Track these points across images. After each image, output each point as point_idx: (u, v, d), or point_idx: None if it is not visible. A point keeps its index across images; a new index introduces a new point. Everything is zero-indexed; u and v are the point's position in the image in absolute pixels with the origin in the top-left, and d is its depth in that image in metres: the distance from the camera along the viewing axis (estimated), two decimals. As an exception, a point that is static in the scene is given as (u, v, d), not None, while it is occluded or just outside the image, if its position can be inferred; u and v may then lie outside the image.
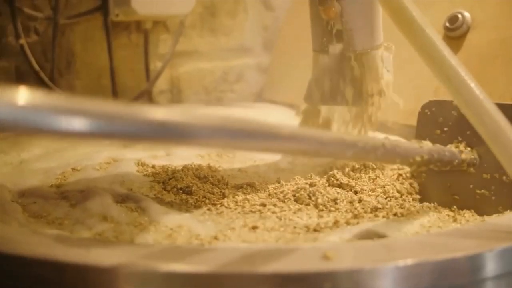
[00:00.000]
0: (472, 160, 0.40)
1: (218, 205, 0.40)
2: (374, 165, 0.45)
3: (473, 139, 0.40)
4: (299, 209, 0.38)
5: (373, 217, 0.37)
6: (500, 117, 0.33)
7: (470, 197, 0.40)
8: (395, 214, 0.37)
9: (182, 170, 0.46)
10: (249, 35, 0.92)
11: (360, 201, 0.39)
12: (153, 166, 0.49)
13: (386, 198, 0.41)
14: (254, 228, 0.35)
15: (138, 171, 0.48)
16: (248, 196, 0.41)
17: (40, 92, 0.20)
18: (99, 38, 0.79)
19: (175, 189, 0.43)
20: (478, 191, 0.40)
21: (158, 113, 0.23)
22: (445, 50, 0.35)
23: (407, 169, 0.45)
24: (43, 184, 0.45)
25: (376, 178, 0.43)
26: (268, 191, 0.42)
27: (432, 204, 0.40)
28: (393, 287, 0.26)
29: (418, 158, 0.36)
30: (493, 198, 0.39)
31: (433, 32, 0.36)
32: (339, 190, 0.41)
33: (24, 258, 0.27)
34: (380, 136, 0.51)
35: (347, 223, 0.35)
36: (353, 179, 0.44)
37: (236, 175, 0.49)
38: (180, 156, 0.53)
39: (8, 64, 0.80)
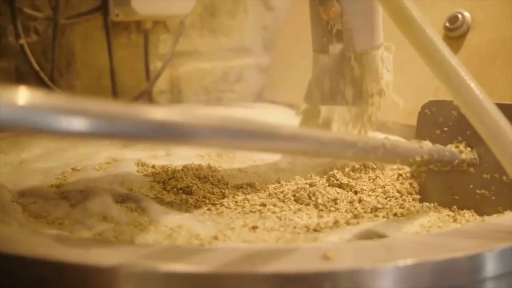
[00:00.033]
0: (472, 160, 0.40)
1: (218, 205, 0.40)
2: (374, 165, 0.45)
3: (473, 139, 0.40)
4: (299, 209, 0.38)
5: (373, 217, 0.37)
6: (500, 117, 0.33)
7: (470, 197, 0.40)
8: (395, 214, 0.37)
9: (182, 170, 0.46)
10: (249, 35, 0.92)
11: (360, 201, 0.39)
12: (153, 166, 0.49)
13: (386, 198, 0.41)
14: (254, 228, 0.35)
15: (138, 171, 0.48)
16: (248, 196, 0.41)
17: (39, 92, 0.20)
18: (99, 38, 0.79)
19: (175, 189, 0.43)
20: (478, 191, 0.40)
21: (158, 113, 0.23)
22: (445, 50, 0.35)
23: (407, 169, 0.45)
24: (43, 184, 0.45)
25: (376, 178, 0.43)
26: (268, 191, 0.42)
27: (432, 204, 0.40)
28: (393, 287, 0.26)
29: (418, 158, 0.36)
30: (493, 198, 0.39)
31: (433, 32, 0.36)
32: (339, 190, 0.41)
33: (24, 258, 0.27)
34: (380, 136, 0.51)
35: (347, 223, 0.35)
36: (353, 179, 0.44)
37: (236, 175, 0.49)
38: (180, 156, 0.53)
39: (8, 64, 0.80)
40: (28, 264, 0.27)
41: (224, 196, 0.41)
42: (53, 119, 0.20)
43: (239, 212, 0.38)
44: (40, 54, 0.79)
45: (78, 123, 0.21)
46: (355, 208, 0.38)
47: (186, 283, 0.26)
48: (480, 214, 0.39)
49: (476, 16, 0.58)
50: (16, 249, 0.28)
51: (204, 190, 0.42)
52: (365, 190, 0.42)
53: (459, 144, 0.41)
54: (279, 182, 0.44)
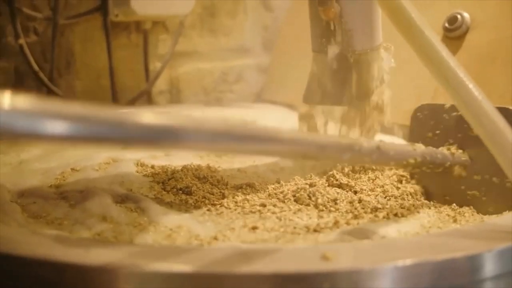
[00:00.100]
0: (463, 162, 0.40)
1: (218, 206, 0.40)
2: (373, 166, 0.46)
3: (464, 142, 0.41)
4: (299, 210, 0.38)
5: (373, 218, 0.37)
6: (498, 118, 0.33)
7: (461, 198, 0.41)
8: (395, 214, 0.37)
9: (181, 170, 0.46)
10: (249, 35, 0.92)
11: (360, 201, 0.39)
12: (153, 167, 0.49)
13: (385, 198, 0.41)
14: (254, 228, 0.35)
15: (137, 172, 0.48)
16: (248, 197, 0.41)
17: (26, 96, 0.20)
18: (98, 39, 0.79)
19: (175, 190, 0.43)
20: (469, 192, 0.41)
21: (152, 117, 0.23)
22: (444, 51, 0.35)
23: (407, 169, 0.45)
24: (42, 184, 0.45)
25: (375, 179, 0.44)
26: (268, 191, 0.42)
27: (432, 204, 0.40)
28: (393, 287, 0.26)
29: (411, 161, 0.37)
30: (484, 199, 0.40)
31: (431, 33, 0.36)
32: (339, 190, 0.41)
33: (24, 258, 0.27)
34: (380, 136, 0.51)
35: (347, 223, 0.36)
36: (352, 179, 0.44)
37: (235, 175, 0.49)
38: (180, 157, 0.53)
39: (8, 64, 0.80)
40: (28, 264, 0.27)
41: (223, 197, 0.41)
42: (39, 124, 0.20)
43: (239, 213, 0.38)
44: (39, 54, 0.79)
45: (62, 127, 0.21)
46: (355, 209, 0.38)
47: (186, 283, 0.26)
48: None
49: (475, 17, 0.58)
50: (15, 249, 0.28)
51: (203, 191, 0.42)
52: (365, 190, 0.42)
53: (451, 146, 0.41)
54: (278, 183, 0.44)
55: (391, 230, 0.34)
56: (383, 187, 0.42)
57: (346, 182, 0.42)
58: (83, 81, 0.81)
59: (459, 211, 0.39)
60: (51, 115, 0.21)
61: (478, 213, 0.39)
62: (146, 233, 0.34)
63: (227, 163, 0.54)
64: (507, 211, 0.38)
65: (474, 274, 0.28)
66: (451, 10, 0.59)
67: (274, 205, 0.39)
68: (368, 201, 0.39)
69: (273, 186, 0.43)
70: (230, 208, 0.39)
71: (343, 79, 0.50)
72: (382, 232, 0.34)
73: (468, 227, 0.36)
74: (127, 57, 0.82)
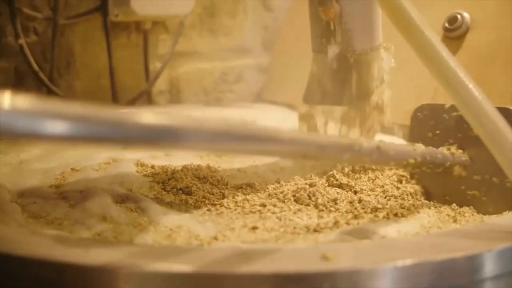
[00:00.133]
0: (463, 162, 0.41)
1: (218, 206, 0.40)
2: (373, 166, 0.46)
3: (464, 142, 0.41)
4: (299, 210, 0.38)
5: (373, 218, 0.37)
6: (498, 118, 0.33)
7: (461, 198, 0.41)
8: (395, 215, 0.37)
9: (181, 170, 0.46)
10: (249, 35, 0.92)
11: (360, 201, 0.39)
12: (153, 167, 0.49)
13: (385, 198, 0.41)
14: (254, 228, 0.35)
15: (137, 172, 0.48)
16: (248, 197, 0.41)
17: (25, 96, 0.20)
18: (98, 39, 0.79)
19: (175, 190, 0.43)
20: (469, 192, 0.41)
21: (152, 117, 0.23)
22: (444, 51, 0.35)
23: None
24: (42, 184, 0.45)
25: (375, 179, 0.44)
26: (268, 191, 0.42)
27: (432, 204, 0.40)
28: (392, 287, 0.26)
29: (411, 161, 0.37)
30: (484, 198, 0.40)
31: (431, 33, 0.36)
32: (339, 190, 0.41)
33: (24, 258, 0.27)
34: (380, 136, 0.51)
35: (347, 223, 0.36)
36: (352, 179, 0.44)
37: (235, 175, 0.49)
38: (179, 157, 0.53)
39: (8, 64, 0.80)
40: (28, 264, 0.27)
41: (223, 197, 0.41)
42: (38, 124, 0.20)
43: (239, 213, 0.38)
44: (39, 54, 0.79)
45: (61, 128, 0.21)
46: (355, 209, 0.38)
47: (186, 283, 0.26)
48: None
49: (475, 17, 0.58)
50: (15, 249, 0.28)
51: (203, 191, 0.42)
52: (365, 190, 0.42)
53: (451, 146, 0.42)
54: (278, 183, 0.44)
55: (391, 230, 0.34)
56: (383, 187, 0.42)
57: (346, 182, 0.42)
58: (83, 81, 0.81)
59: (459, 211, 0.39)
60: (51, 115, 0.21)
61: (478, 213, 0.40)
62: (146, 233, 0.34)
63: (227, 163, 0.54)
64: (507, 211, 0.38)
65: (474, 274, 0.28)
66: (451, 10, 0.59)
67: (274, 205, 0.39)
68: (368, 201, 0.39)
69: (273, 186, 0.43)
70: (230, 208, 0.39)
71: (343, 79, 0.50)
72: (382, 232, 0.34)
73: (468, 227, 0.36)
74: (127, 57, 0.82)
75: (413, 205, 0.39)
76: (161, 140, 0.24)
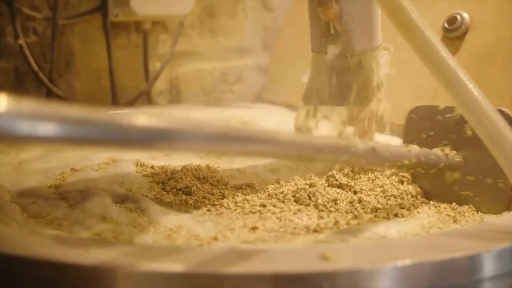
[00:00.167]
0: (457, 163, 0.41)
1: (218, 206, 0.40)
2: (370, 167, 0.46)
3: (458, 143, 0.42)
4: (299, 210, 0.38)
5: (373, 218, 0.37)
6: (498, 118, 0.33)
7: (455, 198, 0.41)
8: (395, 215, 0.37)
9: (181, 170, 0.46)
10: (249, 35, 0.92)
11: (360, 201, 0.39)
12: (152, 167, 0.49)
13: (385, 198, 0.41)
14: (254, 228, 0.35)
15: (137, 172, 0.48)
16: (247, 197, 0.41)
17: (20, 99, 0.20)
18: (98, 39, 0.79)
19: (175, 190, 0.43)
20: (462, 193, 0.41)
21: (145, 120, 0.23)
22: (444, 51, 0.35)
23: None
24: (42, 184, 0.45)
25: (375, 179, 0.44)
26: (268, 191, 0.42)
27: (432, 204, 0.41)
28: (392, 287, 0.26)
29: (406, 162, 0.38)
30: (477, 199, 0.40)
31: (431, 34, 0.36)
32: (338, 190, 0.41)
33: (24, 259, 0.27)
34: (379, 136, 0.51)
35: (347, 223, 0.36)
36: (352, 180, 0.44)
37: (235, 175, 0.49)
38: (179, 157, 0.53)
39: (7, 64, 0.80)
40: (28, 264, 0.27)
41: (223, 197, 0.41)
42: (32, 126, 0.20)
43: (238, 213, 0.38)
44: (39, 54, 0.79)
45: (55, 130, 0.21)
46: (355, 209, 0.38)
47: (186, 284, 0.26)
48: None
49: (475, 17, 0.58)
50: (15, 250, 0.28)
51: (203, 191, 0.42)
52: (364, 190, 0.42)
53: (445, 147, 0.42)
54: (278, 183, 0.44)
55: (391, 231, 0.34)
56: (382, 187, 0.42)
57: (346, 182, 0.42)
58: (82, 81, 0.81)
59: (459, 211, 0.39)
60: (45, 117, 0.20)
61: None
62: (146, 233, 0.34)
63: (226, 163, 0.54)
64: (506, 212, 0.38)
65: (474, 274, 0.28)
66: (450, 11, 0.59)
67: (274, 206, 0.39)
68: (368, 201, 0.39)
69: (273, 186, 0.43)
70: (230, 209, 0.39)
71: (342, 79, 0.50)
72: (382, 232, 0.34)
73: (467, 227, 0.36)
74: (126, 57, 0.82)
75: (413, 205, 0.39)
76: (156, 142, 0.24)
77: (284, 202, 0.40)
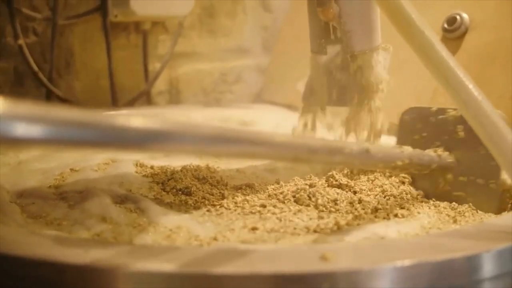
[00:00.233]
0: (449, 164, 0.42)
1: (218, 206, 0.40)
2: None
3: (450, 144, 0.42)
4: (299, 210, 0.38)
5: (374, 218, 0.37)
6: (498, 119, 0.33)
7: (447, 199, 0.41)
8: (395, 215, 0.37)
9: (181, 171, 0.46)
10: (248, 36, 0.92)
11: (360, 201, 0.39)
12: (152, 167, 0.49)
13: (385, 197, 0.41)
14: (254, 229, 0.35)
15: (136, 172, 0.48)
16: (247, 197, 0.41)
17: (8, 100, 0.20)
18: (98, 39, 0.79)
19: (174, 190, 0.43)
20: (455, 193, 0.41)
21: (139, 121, 0.23)
22: (443, 51, 0.35)
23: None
24: (41, 185, 0.45)
25: (375, 180, 0.44)
26: (268, 192, 0.42)
27: (432, 204, 0.41)
28: (392, 287, 0.26)
29: (399, 163, 0.38)
30: (469, 199, 0.40)
31: (431, 34, 0.36)
32: (338, 190, 0.41)
33: (23, 259, 0.27)
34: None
35: (348, 224, 0.36)
36: (352, 180, 0.44)
37: (234, 175, 0.49)
38: (178, 157, 0.53)
39: (7, 64, 0.80)
40: (27, 264, 0.27)
41: (223, 197, 0.41)
42: (23, 129, 0.20)
43: (238, 213, 0.38)
44: (38, 54, 0.79)
45: (45, 132, 0.20)
46: (356, 209, 0.38)
47: (185, 284, 0.26)
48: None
49: (474, 17, 0.58)
50: (15, 250, 0.28)
51: (203, 191, 0.42)
52: (364, 190, 0.42)
53: (437, 148, 0.42)
54: (278, 183, 0.44)
55: (391, 231, 0.34)
56: (382, 187, 0.42)
57: (345, 183, 0.42)
58: (82, 81, 0.81)
59: (459, 211, 0.39)
60: (38, 120, 0.20)
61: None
62: (145, 233, 0.34)
63: (226, 163, 0.54)
64: (505, 212, 0.39)
65: (473, 274, 0.28)
66: (450, 11, 0.59)
67: (274, 206, 0.39)
68: (368, 202, 0.39)
69: (272, 186, 0.43)
70: (230, 209, 0.39)
71: (342, 79, 0.50)
72: (382, 233, 0.34)
73: (467, 228, 0.36)
74: (126, 57, 0.82)
75: (413, 205, 0.39)
76: (148, 144, 0.24)
77: (284, 202, 0.40)
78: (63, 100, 0.77)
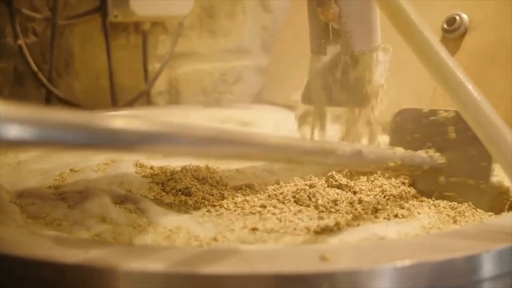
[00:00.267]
0: (441, 165, 0.42)
1: (218, 207, 0.40)
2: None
3: (442, 145, 0.43)
4: (299, 211, 0.38)
5: (374, 219, 0.37)
6: (498, 119, 0.34)
7: (439, 199, 0.42)
8: (396, 215, 0.37)
9: (180, 171, 0.46)
10: (248, 36, 0.92)
11: (360, 201, 0.39)
12: (152, 167, 0.49)
13: (384, 197, 0.41)
14: (254, 229, 0.35)
15: (136, 172, 0.48)
16: (247, 198, 0.41)
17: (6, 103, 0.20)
18: (97, 39, 0.79)
19: (174, 190, 0.43)
20: (446, 194, 0.42)
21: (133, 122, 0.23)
22: (443, 52, 0.35)
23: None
24: (41, 185, 0.45)
25: (374, 180, 0.44)
26: (268, 192, 0.42)
27: (432, 203, 0.41)
28: (392, 287, 0.26)
29: (391, 164, 0.39)
30: (460, 199, 0.41)
31: (430, 34, 0.36)
32: (338, 191, 0.41)
33: (23, 259, 0.27)
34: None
35: (348, 224, 0.36)
36: (351, 180, 0.44)
37: (234, 176, 0.49)
38: (178, 157, 0.53)
39: (7, 65, 0.80)
40: (27, 264, 0.27)
41: (223, 198, 0.41)
42: (8, 129, 0.20)
43: (238, 214, 0.38)
44: (38, 55, 0.79)
45: (31, 133, 0.20)
46: (356, 210, 0.38)
47: (185, 284, 0.26)
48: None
49: (474, 17, 0.58)
50: (14, 250, 0.28)
51: (203, 192, 0.42)
52: (364, 190, 0.42)
53: (429, 149, 0.43)
54: (278, 183, 0.44)
55: (391, 231, 0.34)
56: (382, 187, 0.42)
57: (345, 183, 0.42)
58: (82, 81, 0.81)
59: (459, 211, 0.39)
60: (24, 121, 0.20)
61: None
62: (145, 234, 0.34)
63: (226, 163, 0.54)
64: (505, 212, 0.39)
65: (473, 274, 0.28)
66: (449, 11, 0.59)
67: (274, 206, 0.39)
68: (368, 202, 0.39)
69: (272, 187, 0.43)
70: (229, 209, 0.39)
71: (341, 80, 0.50)
72: (382, 233, 0.34)
73: (467, 228, 0.36)
74: (126, 58, 0.82)
75: (413, 205, 0.39)
76: (138, 146, 0.23)
77: (284, 203, 0.40)
78: (63, 101, 0.77)
